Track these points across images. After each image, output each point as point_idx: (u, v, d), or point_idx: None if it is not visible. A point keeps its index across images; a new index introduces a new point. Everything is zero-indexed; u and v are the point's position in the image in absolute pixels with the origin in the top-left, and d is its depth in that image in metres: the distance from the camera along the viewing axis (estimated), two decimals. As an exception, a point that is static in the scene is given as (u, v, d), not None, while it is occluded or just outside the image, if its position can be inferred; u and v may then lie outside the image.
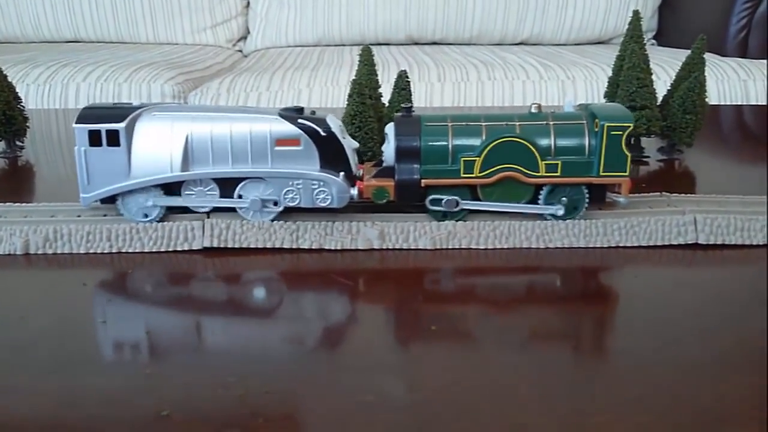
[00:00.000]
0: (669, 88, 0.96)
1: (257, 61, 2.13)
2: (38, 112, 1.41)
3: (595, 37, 2.39)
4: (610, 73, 0.95)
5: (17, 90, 1.01)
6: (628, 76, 0.88)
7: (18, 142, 1.02)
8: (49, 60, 1.85)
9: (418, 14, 2.30)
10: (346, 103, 0.79)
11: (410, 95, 0.81)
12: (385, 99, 0.85)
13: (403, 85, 0.82)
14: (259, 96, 1.74)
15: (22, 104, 1.01)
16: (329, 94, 1.74)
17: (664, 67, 1.72)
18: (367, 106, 0.78)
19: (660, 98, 0.94)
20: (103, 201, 0.71)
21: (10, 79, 1.00)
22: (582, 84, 1.76)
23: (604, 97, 0.97)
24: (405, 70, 0.82)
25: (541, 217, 0.71)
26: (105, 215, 0.73)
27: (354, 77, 0.80)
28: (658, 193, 0.79)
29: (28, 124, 1.02)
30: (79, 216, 0.73)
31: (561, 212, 0.70)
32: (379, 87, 0.84)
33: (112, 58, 1.94)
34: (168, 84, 1.77)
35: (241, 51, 2.47)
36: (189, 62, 2.03)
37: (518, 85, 1.77)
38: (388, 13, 2.30)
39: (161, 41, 2.38)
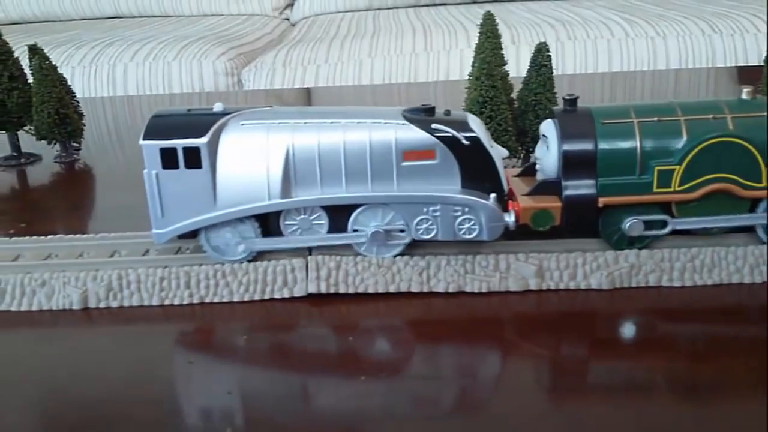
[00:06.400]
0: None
1: (308, 30, 1.99)
2: (89, 102, 1.29)
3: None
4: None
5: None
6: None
7: (74, 143, 0.91)
8: (92, 39, 1.74)
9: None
10: (467, 86, 0.64)
11: (551, 74, 0.66)
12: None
13: (543, 61, 0.66)
14: (318, 69, 1.61)
15: (76, 99, 0.90)
16: (394, 65, 1.59)
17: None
18: (498, 91, 0.63)
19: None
20: (181, 237, 0.56)
21: (54, 63, 0.86)
22: (674, 42, 1.58)
23: (765, 63, 0.81)
24: (545, 43, 0.66)
25: (754, 241, 0.54)
26: (179, 250, 0.58)
27: (476, 51, 0.65)
28: None
29: (84, 122, 0.90)
30: (146, 252, 0.58)
31: None
32: (505, 64, 0.69)
33: (158, 34, 1.82)
34: (220, 60, 1.65)
35: (288, 19, 2.33)
36: (237, 35, 1.90)
37: (602, 44, 1.60)
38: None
39: (205, 13, 2.25)
